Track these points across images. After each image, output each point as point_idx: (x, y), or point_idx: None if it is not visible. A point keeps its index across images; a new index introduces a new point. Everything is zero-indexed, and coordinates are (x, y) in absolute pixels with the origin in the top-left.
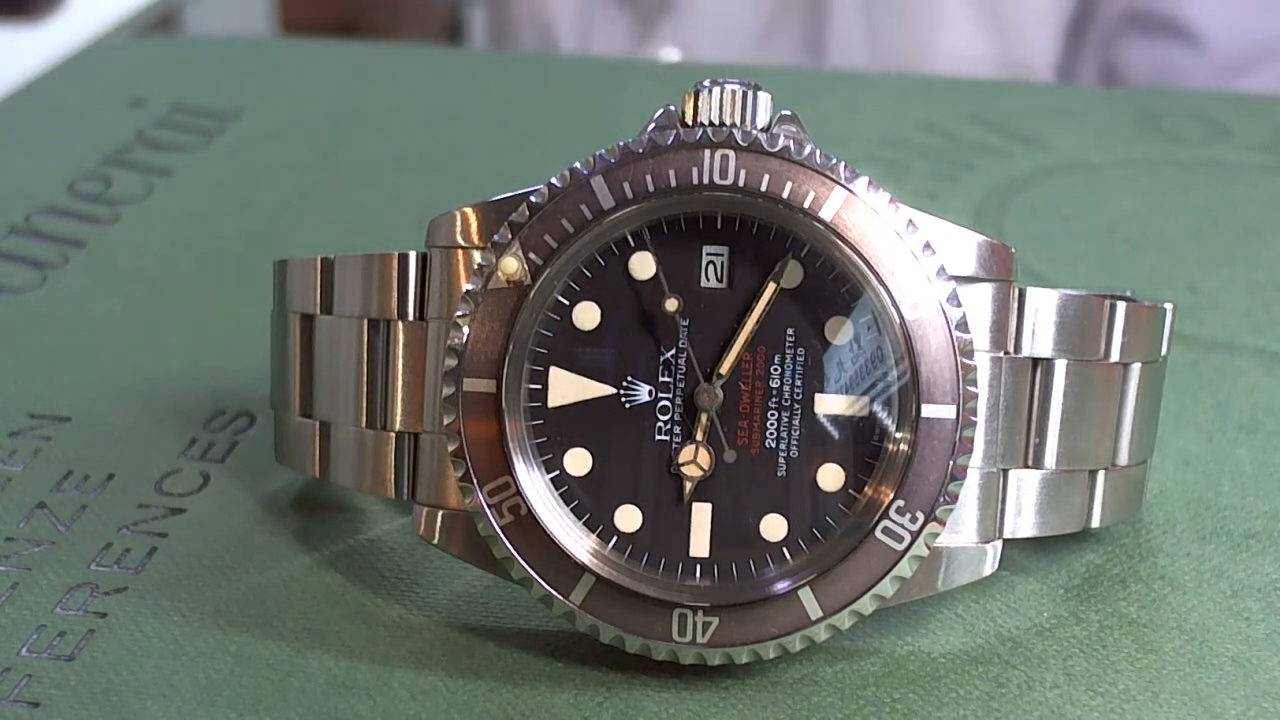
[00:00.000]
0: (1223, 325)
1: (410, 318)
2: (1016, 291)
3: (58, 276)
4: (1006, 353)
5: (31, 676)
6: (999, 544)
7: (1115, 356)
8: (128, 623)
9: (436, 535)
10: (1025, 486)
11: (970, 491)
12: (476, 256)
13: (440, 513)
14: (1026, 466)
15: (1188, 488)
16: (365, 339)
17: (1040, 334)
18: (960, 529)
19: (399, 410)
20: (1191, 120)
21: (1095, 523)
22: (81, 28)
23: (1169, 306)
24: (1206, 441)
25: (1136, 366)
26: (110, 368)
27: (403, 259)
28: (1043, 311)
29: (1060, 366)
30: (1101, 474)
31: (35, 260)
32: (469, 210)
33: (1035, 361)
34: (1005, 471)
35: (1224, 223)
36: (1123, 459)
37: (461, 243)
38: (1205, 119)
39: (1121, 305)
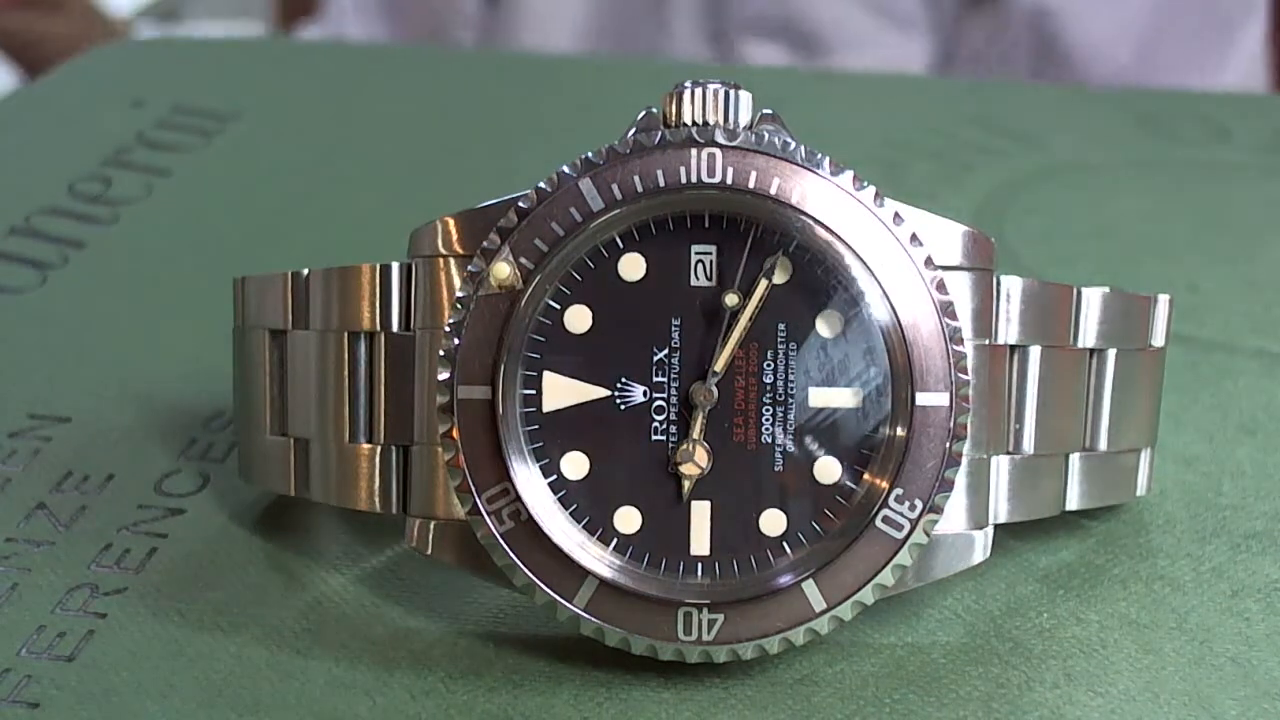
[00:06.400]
0: (1223, 325)
1: (394, 329)
2: (996, 279)
3: (58, 276)
4: (988, 340)
5: (31, 677)
6: (990, 531)
7: (1084, 342)
8: (127, 623)
9: (430, 546)
10: (1006, 471)
11: (958, 478)
12: (458, 265)
13: (432, 523)
14: (1008, 452)
15: (1188, 488)
16: (347, 352)
17: (1015, 320)
18: (950, 516)
19: (385, 423)
20: (1191, 120)
21: (1072, 505)
22: None
23: (1160, 297)
24: (1206, 441)
25: (1112, 353)
26: (110, 368)
27: (384, 270)
28: (1015, 298)
29: (1034, 352)
30: (1077, 457)
31: (35, 260)
32: (450, 219)
33: (1012, 348)
34: (990, 457)
35: (1224, 223)
36: (1102, 444)
37: (444, 251)
38: (1205, 119)
39: (1090, 292)
